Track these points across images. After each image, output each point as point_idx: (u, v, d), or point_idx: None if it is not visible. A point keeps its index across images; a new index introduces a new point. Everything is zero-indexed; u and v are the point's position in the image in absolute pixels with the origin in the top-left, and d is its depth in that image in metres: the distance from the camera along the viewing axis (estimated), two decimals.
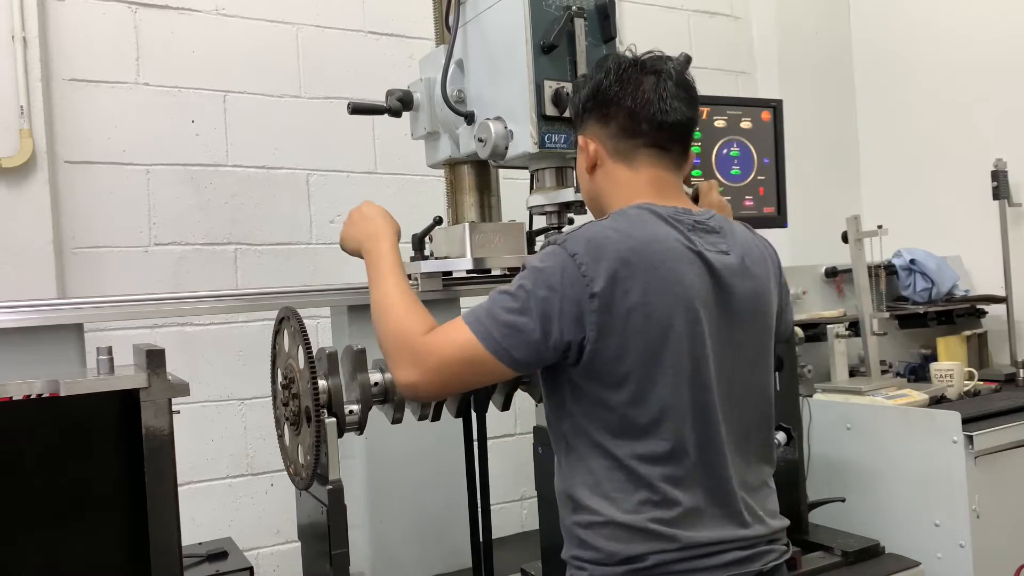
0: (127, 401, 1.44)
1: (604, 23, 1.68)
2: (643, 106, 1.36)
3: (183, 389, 1.47)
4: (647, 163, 1.39)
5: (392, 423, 1.67)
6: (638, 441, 1.28)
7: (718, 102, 2.34)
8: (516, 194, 2.08)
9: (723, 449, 1.32)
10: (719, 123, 2.34)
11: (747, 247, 1.40)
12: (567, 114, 1.63)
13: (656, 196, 1.38)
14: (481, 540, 1.83)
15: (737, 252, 1.37)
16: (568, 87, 1.63)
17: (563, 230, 1.78)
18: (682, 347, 1.27)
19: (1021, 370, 3.01)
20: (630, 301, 1.25)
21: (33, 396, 1.40)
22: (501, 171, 2.02)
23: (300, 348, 1.48)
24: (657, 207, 1.34)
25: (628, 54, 1.43)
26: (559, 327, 1.25)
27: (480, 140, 1.72)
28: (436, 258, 1.91)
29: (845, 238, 2.79)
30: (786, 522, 1.42)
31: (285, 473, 1.66)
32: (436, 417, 1.72)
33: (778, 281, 1.47)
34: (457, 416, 1.79)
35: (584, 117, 1.44)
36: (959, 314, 3.19)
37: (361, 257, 1.55)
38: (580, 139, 1.45)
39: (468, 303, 2.09)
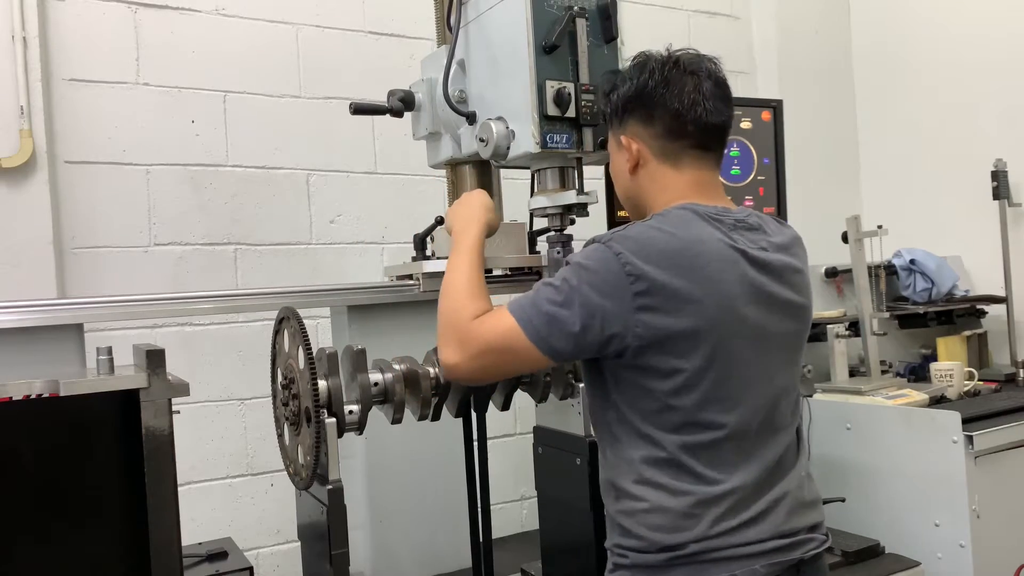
0: (127, 401, 1.44)
1: (605, 23, 1.69)
2: (689, 108, 1.38)
3: (183, 389, 1.47)
4: (691, 164, 1.41)
5: (392, 423, 1.67)
6: (682, 431, 1.30)
7: None
8: (517, 194, 2.08)
9: (766, 441, 1.35)
10: None
11: (784, 242, 1.42)
12: (569, 114, 1.63)
13: (699, 196, 1.40)
14: (481, 540, 1.83)
15: (776, 248, 1.39)
16: (570, 87, 1.63)
17: (564, 231, 1.79)
18: (726, 342, 1.30)
19: (1021, 370, 3.01)
20: (675, 300, 1.27)
21: (33, 396, 1.39)
22: (502, 171, 2.02)
23: (300, 348, 1.48)
24: (699, 207, 1.36)
25: (664, 52, 1.43)
26: (600, 323, 1.28)
27: (482, 140, 1.72)
28: (438, 258, 1.90)
29: (845, 238, 2.79)
30: (823, 512, 1.44)
31: (285, 473, 1.66)
32: (436, 417, 1.72)
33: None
34: (457, 416, 1.79)
35: (624, 117, 1.44)
36: (959, 314, 3.19)
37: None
38: (622, 139, 1.45)
39: None
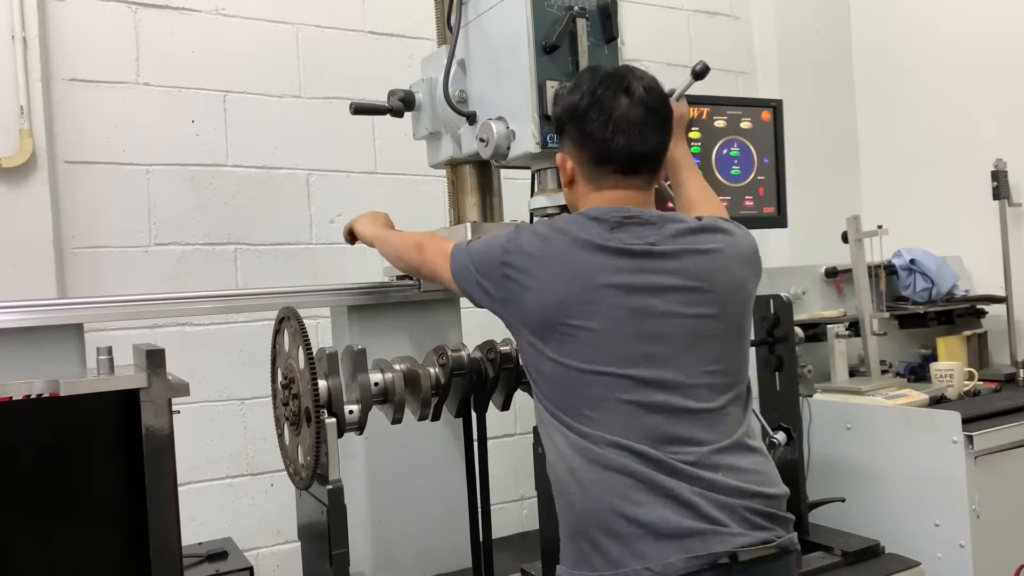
0: (127, 401, 1.44)
1: (606, 23, 1.69)
2: (613, 136, 1.41)
3: (183, 389, 1.47)
4: (614, 187, 1.46)
5: (392, 423, 1.67)
6: (577, 419, 1.36)
7: (718, 102, 2.34)
8: (517, 194, 2.08)
9: (679, 426, 1.34)
10: (719, 123, 2.34)
11: (684, 229, 1.43)
12: None
13: (609, 205, 1.44)
14: (481, 540, 1.83)
15: (670, 239, 1.41)
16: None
17: None
18: (579, 330, 1.35)
19: (1021, 370, 3.01)
20: (524, 277, 1.39)
21: (33, 396, 1.40)
22: (503, 171, 2.02)
23: (300, 348, 1.48)
24: (592, 210, 1.42)
25: (604, 72, 1.45)
26: (482, 285, 1.46)
27: (482, 140, 1.72)
28: None
29: (845, 238, 2.79)
30: (785, 519, 1.40)
31: (285, 473, 1.66)
32: (436, 417, 1.72)
33: (745, 262, 1.48)
34: (457, 416, 1.79)
35: (561, 135, 1.49)
36: (959, 314, 3.18)
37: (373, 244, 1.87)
38: (558, 156, 1.50)
39: (469, 303, 2.10)
